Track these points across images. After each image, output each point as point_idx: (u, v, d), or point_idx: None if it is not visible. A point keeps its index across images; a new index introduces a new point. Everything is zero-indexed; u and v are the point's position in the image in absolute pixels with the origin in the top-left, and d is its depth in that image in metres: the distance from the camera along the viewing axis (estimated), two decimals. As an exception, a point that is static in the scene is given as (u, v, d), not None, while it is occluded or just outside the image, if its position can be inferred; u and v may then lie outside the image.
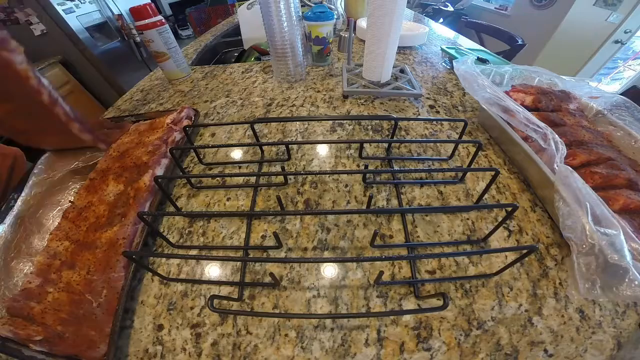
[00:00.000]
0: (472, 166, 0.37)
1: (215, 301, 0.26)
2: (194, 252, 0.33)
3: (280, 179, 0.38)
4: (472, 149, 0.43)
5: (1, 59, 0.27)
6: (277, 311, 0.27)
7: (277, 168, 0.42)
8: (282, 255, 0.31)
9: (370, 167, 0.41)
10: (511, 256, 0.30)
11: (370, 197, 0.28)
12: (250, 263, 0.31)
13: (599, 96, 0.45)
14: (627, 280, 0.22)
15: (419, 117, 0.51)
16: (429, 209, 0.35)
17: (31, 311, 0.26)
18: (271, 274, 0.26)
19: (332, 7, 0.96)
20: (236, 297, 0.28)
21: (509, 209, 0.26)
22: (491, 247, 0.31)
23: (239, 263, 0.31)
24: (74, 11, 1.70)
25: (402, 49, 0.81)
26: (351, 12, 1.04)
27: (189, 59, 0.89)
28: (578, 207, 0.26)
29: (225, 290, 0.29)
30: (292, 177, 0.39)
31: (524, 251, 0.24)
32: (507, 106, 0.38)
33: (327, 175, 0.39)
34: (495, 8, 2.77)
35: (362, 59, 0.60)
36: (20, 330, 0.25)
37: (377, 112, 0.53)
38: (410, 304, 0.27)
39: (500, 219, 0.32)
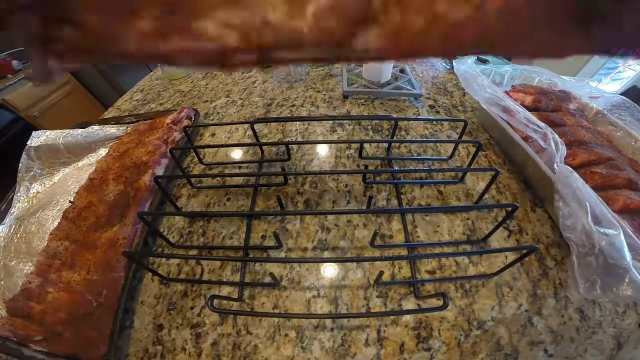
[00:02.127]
0: (472, 166, 0.37)
1: (215, 301, 0.26)
2: (194, 252, 0.33)
3: (280, 179, 0.38)
4: (472, 149, 0.43)
5: None
6: (277, 311, 0.27)
7: (277, 168, 0.42)
8: (282, 255, 0.31)
9: (370, 167, 0.41)
10: (511, 256, 0.30)
11: (370, 197, 0.28)
12: (250, 263, 0.31)
13: (599, 96, 0.45)
14: (627, 280, 0.22)
15: (419, 117, 0.51)
16: (429, 209, 0.35)
17: (31, 311, 0.26)
18: (271, 274, 0.26)
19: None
20: (236, 297, 0.28)
21: (509, 209, 0.26)
22: (491, 247, 0.31)
23: (239, 263, 0.31)
24: (74, 11, 1.70)
25: (402, 49, 0.81)
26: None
27: (189, 59, 0.89)
28: (578, 207, 0.26)
29: (225, 290, 0.29)
30: (292, 177, 0.39)
31: (524, 251, 0.24)
32: (507, 106, 0.38)
33: (327, 175, 0.39)
34: (495, 8, 2.77)
35: (362, 59, 0.60)
36: (20, 330, 0.25)
37: (377, 112, 0.53)
38: (410, 304, 0.27)
39: (500, 218, 0.32)
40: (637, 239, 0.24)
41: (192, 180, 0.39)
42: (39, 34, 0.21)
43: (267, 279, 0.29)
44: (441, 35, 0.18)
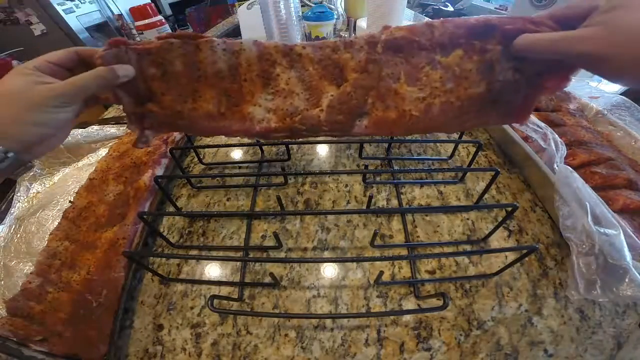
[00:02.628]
0: (472, 166, 0.37)
1: (215, 301, 0.26)
2: (194, 252, 0.32)
3: (280, 179, 0.38)
4: (472, 149, 0.43)
5: None
6: (277, 311, 0.27)
7: (277, 168, 0.42)
8: (282, 255, 0.31)
9: (370, 167, 0.41)
10: (511, 256, 0.30)
11: (370, 197, 0.28)
12: (251, 263, 0.31)
13: (599, 96, 0.45)
14: (627, 280, 0.22)
15: (419, 117, 0.51)
16: (429, 209, 0.35)
17: (31, 311, 0.26)
18: (271, 274, 0.26)
19: (332, 7, 0.96)
20: (236, 297, 0.28)
21: (509, 209, 0.26)
22: (491, 247, 0.31)
23: (238, 263, 0.31)
24: (74, 11, 1.70)
25: (402, 49, 0.81)
26: (351, 12, 1.04)
27: (189, 59, 0.89)
28: (578, 207, 0.26)
29: (225, 290, 0.29)
30: (292, 177, 0.39)
31: (524, 251, 0.24)
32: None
33: (327, 175, 0.39)
34: (495, 8, 2.76)
35: (362, 59, 0.60)
36: (20, 330, 0.25)
37: (377, 112, 0.53)
38: (410, 304, 0.27)
39: (500, 218, 0.32)
40: (637, 239, 0.24)
41: (192, 180, 0.39)
42: (135, 112, 0.26)
43: (267, 279, 0.29)
44: (405, 124, 0.26)
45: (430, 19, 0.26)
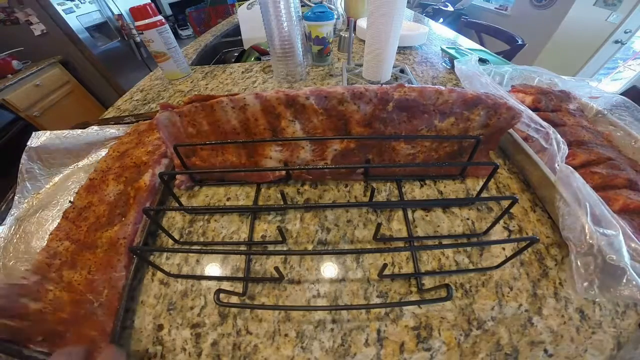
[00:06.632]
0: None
1: (222, 295, 0.26)
2: (196, 249, 0.32)
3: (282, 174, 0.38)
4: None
5: None
6: (277, 311, 0.27)
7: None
8: (286, 250, 0.31)
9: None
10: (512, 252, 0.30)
11: (373, 190, 0.28)
12: (252, 262, 0.31)
13: (599, 96, 0.45)
14: (624, 280, 0.22)
15: (419, 117, 0.51)
16: (430, 202, 0.35)
17: (27, 310, 0.26)
18: (276, 268, 0.26)
19: (332, 7, 0.96)
20: (240, 292, 0.28)
21: (509, 201, 0.26)
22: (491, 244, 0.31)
23: (240, 263, 0.31)
24: (74, 11, 1.70)
25: (402, 49, 0.81)
26: (351, 12, 1.04)
27: (189, 59, 0.89)
28: (578, 207, 0.26)
29: (228, 289, 0.29)
30: (292, 179, 0.39)
31: (524, 243, 0.24)
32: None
33: (327, 175, 0.39)
34: (495, 8, 2.77)
35: (362, 59, 0.60)
36: (20, 330, 0.25)
37: (377, 112, 0.53)
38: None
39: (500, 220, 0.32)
40: (636, 240, 0.24)
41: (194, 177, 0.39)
42: (183, 164, 0.37)
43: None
44: (392, 171, 0.37)
45: (439, 87, 0.31)
